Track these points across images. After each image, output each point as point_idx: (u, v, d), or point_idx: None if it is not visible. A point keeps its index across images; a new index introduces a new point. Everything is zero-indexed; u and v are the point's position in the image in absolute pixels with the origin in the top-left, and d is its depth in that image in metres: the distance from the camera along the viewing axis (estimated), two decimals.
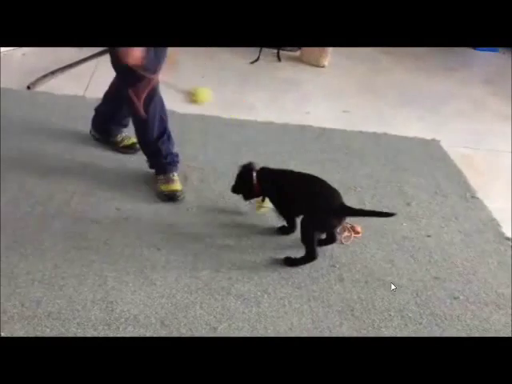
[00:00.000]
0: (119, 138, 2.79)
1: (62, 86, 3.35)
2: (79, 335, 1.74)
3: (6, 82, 3.25)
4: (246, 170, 2.35)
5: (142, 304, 1.91)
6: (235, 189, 2.39)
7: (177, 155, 2.58)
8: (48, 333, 1.73)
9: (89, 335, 1.75)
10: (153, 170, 2.56)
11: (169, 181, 2.51)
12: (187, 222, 2.36)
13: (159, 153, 2.51)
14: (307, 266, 2.20)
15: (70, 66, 3.60)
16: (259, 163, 2.34)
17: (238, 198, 2.42)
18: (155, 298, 1.95)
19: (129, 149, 2.78)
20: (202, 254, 2.19)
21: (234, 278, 2.10)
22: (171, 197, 2.47)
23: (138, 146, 2.67)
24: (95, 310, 1.85)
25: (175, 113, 3.22)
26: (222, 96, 3.57)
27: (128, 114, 2.57)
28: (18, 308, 1.80)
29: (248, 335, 1.86)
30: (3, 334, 1.70)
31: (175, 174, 2.54)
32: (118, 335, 1.77)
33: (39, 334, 1.72)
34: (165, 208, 2.42)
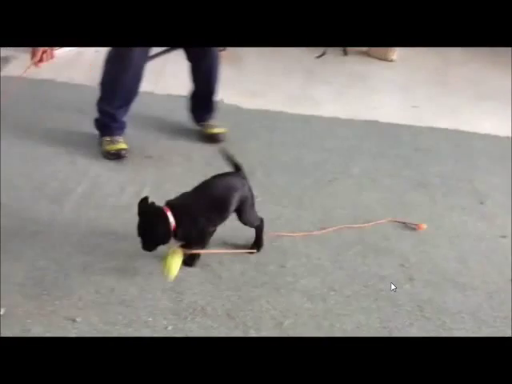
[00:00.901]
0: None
1: None
2: (150, 323, 1.79)
3: (80, 79, 3.39)
4: (156, 211, 1.88)
5: (210, 296, 1.93)
6: (146, 238, 1.90)
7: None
8: (120, 319, 1.79)
9: (158, 324, 1.79)
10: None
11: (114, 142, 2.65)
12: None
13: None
14: (375, 264, 2.16)
15: None
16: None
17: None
18: (222, 290, 1.97)
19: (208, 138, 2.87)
20: (267, 248, 2.19)
21: (300, 273, 2.09)
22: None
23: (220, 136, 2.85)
24: (165, 299, 1.89)
25: (240, 108, 3.26)
26: (288, 91, 3.56)
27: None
28: (92, 295, 1.87)
29: (314, 332, 1.84)
30: (78, 320, 1.77)
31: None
32: (187, 325, 1.80)
33: (112, 321, 1.78)
34: None
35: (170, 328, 1.78)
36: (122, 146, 2.65)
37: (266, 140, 2.99)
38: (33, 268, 1.95)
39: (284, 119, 3.21)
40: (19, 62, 3.50)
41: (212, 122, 2.90)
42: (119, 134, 2.69)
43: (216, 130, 2.88)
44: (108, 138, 2.66)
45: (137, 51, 2.50)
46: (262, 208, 2.41)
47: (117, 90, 2.62)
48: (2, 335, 1.67)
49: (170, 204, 1.91)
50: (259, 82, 3.62)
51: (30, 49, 3.45)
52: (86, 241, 2.11)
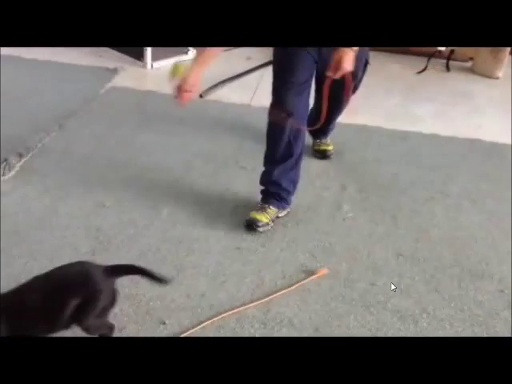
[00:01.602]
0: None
1: (231, 94, 3.54)
2: (237, 330, 1.81)
3: None
4: None
5: (297, 308, 1.93)
6: None
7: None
8: (209, 324, 1.83)
9: (246, 332, 1.81)
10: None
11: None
12: (342, 232, 2.33)
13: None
14: (472, 288, 2.05)
15: (239, 75, 3.80)
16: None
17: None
18: (310, 303, 1.95)
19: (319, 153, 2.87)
20: (357, 265, 2.15)
21: (391, 292, 2.03)
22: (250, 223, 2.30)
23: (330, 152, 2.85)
24: (252, 307, 1.91)
25: (338, 122, 3.24)
26: (387, 106, 3.50)
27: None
28: (184, 298, 1.93)
29: None
30: (167, 322, 1.83)
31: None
32: (274, 335, 1.80)
33: (201, 325, 1.82)
34: (319, 218, 2.43)
35: (256, 336, 1.79)
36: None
37: (362, 155, 2.94)
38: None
39: (381, 134, 3.15)
40: (127, 73, 3.73)
41: (325, 139, 2.91)
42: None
43: (325, 147, 2.88)
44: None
45: None
46: (353, 224, 2.39)
47: None
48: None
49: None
50: (356, 97, 3.58)
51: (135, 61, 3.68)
52: (181, 245, 2.18)
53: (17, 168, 2.58)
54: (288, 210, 2.40)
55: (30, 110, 3.11)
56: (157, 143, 2.91)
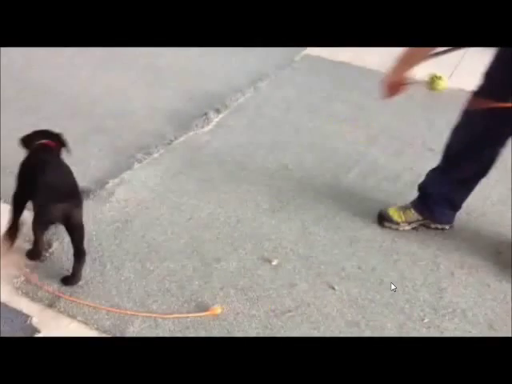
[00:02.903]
0: None
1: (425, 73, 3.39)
2: (406, 310, 1.79)
3: (375, 64, 3.47)
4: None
5: (473, 301, 1.84)
6: None
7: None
8: (378, 299, 1.83)
9: (415, 314, 1.78)
10: None
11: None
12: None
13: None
14: None
15: (439, 53, 3.60)
16: None
17: None
18: (487, 299, 1.85)
19: None
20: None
21: None
22: None
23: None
24: (424, 291, 1.87)
25: None
26: None
27: None
28: (355, 269, 1.96)
29: None
30: (337, 288, 1.87)
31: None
32: (443, 323, 1.75)
33: (369, 297, 1.84)
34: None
35: (426, 320, 1.75)
36: None
37: None
38: (305, 232, 2.12)
39: None
40: None
41: None
42: None
43: None
44: None
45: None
46: None
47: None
48: (273, 285, 1.87)
49: None
50: None
51: None
52: (357, 218, 2.20)
53: (214, 123, 2.80)
54: (441, 226, 2.15)
55: (229, 70, 3.33)
56: (343, 114, 2.93)
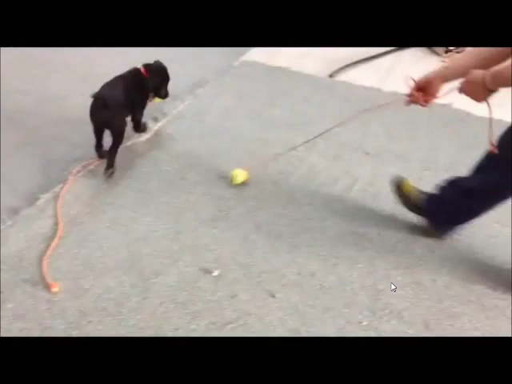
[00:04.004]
0: None
1: (362, 76, 3.47)
2: (345, 314, 1.82)
3: (312, 69, 3.53)
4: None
5: (409, 302, 1.89)
6: None
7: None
8: (318, 304, 1.85)
9: (353, 317, 1.81)
10: None
11: None
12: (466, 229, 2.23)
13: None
14: None
15: (373, 57, 3.70)
16: None
17: None
18: (422, 299, 1.90)
19: None
20: (478, 267, 2.05)
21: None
22: None
23: None
24: (362, 294, 1.90)
25: (470, 114, 3.07)
26: None
27: None
28: (295, 275, 1.97)
29: None
30: (278, 296, 1.88)
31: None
32: (381, 325, 1.79)
33: (310, 303, 1.85)
34: None
35: (364, 323, 1.79)
36: None
37: None
38: (246, 240, 2.12)
39: None
40: (261, 48, 3.79)
41: None
42: None
43: None
44: None
45: None
46: (477, 221, 2.27)
47: None
48: (214, 296, 1.85)
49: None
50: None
51: None
52: (297, 223, 2.22)
53: (152, 131, 2.75)
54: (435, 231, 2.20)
55: None
56: (282, 119, 2.95)
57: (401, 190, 2.25)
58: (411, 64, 3.68)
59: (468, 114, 3.07)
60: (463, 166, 2.56)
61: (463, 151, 2.74)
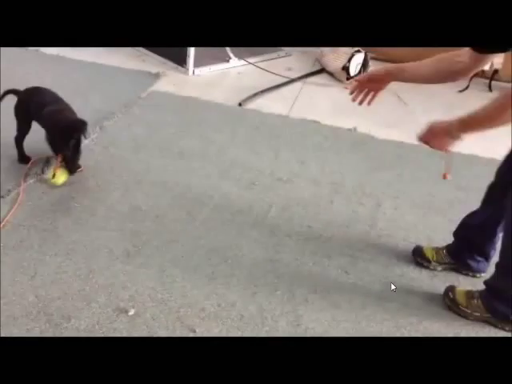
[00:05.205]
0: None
1: (270, 104, 3.56)
2: None
3: (221, 98, 3.57)
4: None
5: (327, 324, 1.92)
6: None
7: None
8: (240, 334, 1.83)
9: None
10: None
11: None
12: (377, 250, 2.32)
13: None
14: None
15: (279, 86, 3.81)
16: None
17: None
18: (340, 320, 1.94)
19: None
20: (389, 285, 2.13)
21: (423, 315, 2.00)
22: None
23: None
24: (282, 321, 1.91)
25: (374, 137, 3.23)
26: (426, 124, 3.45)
27: None
28: (215, 307, 1.94)
29: None
30: (198, 330, 1.84)
31: None
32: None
33: (231, 335, 1.83)
34: (355, 232, 2.41)
35: None
36: None
37: (398, 172, 2.91)
38: (163, 275, 2.06)
39: (419, 153, 3.11)
40: (168, 78, 3.78)
41: None
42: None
43: None
44: None
45: None
46: (388, 241, 2.36)
47: None
48: (133, 335, 1.78)
49: None
50: (396, 113, 3.56)
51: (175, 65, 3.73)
52: (214, 254, 2.20)
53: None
54: (472, 273, 2.19)
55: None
56: (194, 149, 2.94)
57: (423, 256, 2.23)
58: (315, 92, 3.83)
59: (372, 137, 3.24)
60: (371, 187, 2.72)
61: (370, 173, 2.87)
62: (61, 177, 2.43)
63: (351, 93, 2.06)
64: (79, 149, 2.52)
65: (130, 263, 2.10)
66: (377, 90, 2.03)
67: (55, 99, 2.60)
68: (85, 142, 2.85)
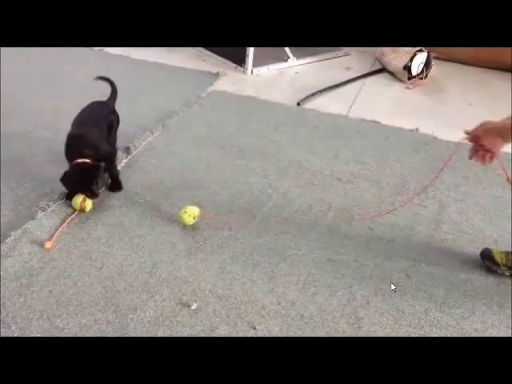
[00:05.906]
0: None
1: (329, 104, 3.53)
2: None
3: (280, 98, 3.58)
4: None
5: (390, 328, 1.89)
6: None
7: None
8: (299, 334, 1.83)
9: None
10: None
11: None
12: (441, 254, 2.26)
13: None
14: None
15: (338, 85, 3.78)
16: None
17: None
18: (402, 325, 1.91)
19: None
20: (454, 290, 2.08)
21: (490, 322, 1.94)
22: None
23: None
24: (343, 323, 1.89)
25: (437, 138, 3.15)
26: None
27: None
28: (275, 305, 1.95)
29: None
30: (258, 328, 1.85)
31: None
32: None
33: (291, 334, 1.83)
34: (417, 235, 2.36)
35: None
36: None
37: (462, 174, 2.83)
38: (223, 271, 2.09)
39: None
40: (228, 78, 3.82)
41: None
42: None
43: None
44: None
45: None
46: (452, 245, 2.30)
47: None
48: (194, 330, 1.81)
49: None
50: (459, 114, 3.46)
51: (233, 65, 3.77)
52: (273, 252, 2.20)
53: (123, 164, 2.71)
54: None
55: (137, 108, 3.26)
56: (253, 148, 2.96)
57: (492, 259, 2.17)
58: (375, 91, 3.78)
59: (435, 138, 3.16)
60: (434, 189, 2.65)
61: (432, 175, 2.79)
62: (88, 206, 2.32)
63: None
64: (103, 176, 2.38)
65: (191, 258, 2.13)
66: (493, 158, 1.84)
67: (83, 118, 2.53)
68: (148, 140, 2.94)
